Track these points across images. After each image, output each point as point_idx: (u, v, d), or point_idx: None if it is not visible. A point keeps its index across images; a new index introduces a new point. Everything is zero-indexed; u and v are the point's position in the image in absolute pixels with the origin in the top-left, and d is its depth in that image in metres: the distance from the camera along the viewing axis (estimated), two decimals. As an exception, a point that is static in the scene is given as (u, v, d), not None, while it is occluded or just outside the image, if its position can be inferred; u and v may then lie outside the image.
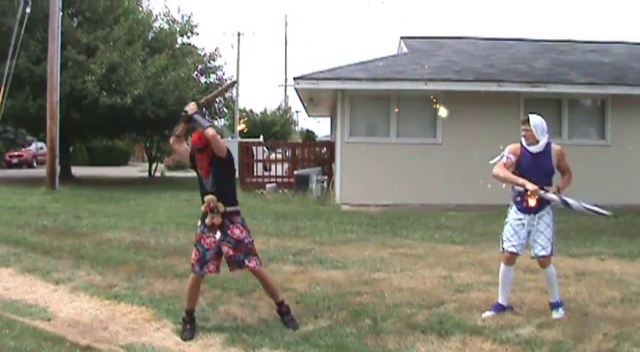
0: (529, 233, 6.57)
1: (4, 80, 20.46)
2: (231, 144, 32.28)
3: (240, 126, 44.01)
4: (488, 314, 6.57)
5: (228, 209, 6.08)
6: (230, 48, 48.97)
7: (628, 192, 17.52)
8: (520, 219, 6.59)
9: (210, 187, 6.06)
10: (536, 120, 6.62)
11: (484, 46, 22.92)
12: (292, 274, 8.53)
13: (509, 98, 17.82)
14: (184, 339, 5.94)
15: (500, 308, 6.65)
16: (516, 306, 6.89)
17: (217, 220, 6.03)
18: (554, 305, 6.61)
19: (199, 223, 6.20)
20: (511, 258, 6.70)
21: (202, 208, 6.10)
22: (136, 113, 25.68)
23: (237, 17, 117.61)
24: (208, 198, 6.02)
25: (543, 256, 6.55)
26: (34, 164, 45.00)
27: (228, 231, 6.08)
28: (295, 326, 6.17)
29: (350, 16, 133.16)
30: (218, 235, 6.07)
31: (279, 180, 23.85)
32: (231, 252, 6.10)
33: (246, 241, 6.14)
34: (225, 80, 32.69)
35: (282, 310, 6.31)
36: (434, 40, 24.09)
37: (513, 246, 6.60)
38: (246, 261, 6.11)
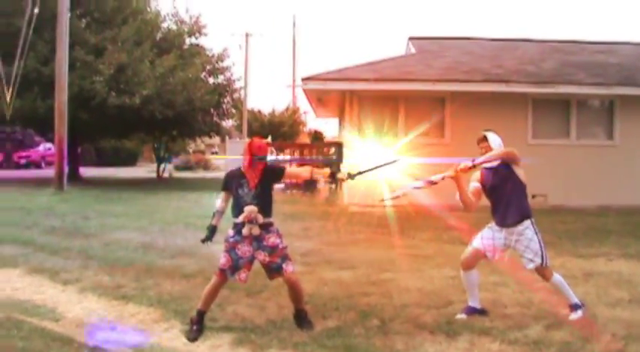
0: None
1: (13, 81, 20.52)
2: (240, 145, 32.45)
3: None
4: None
5: (266, 220, 6.11)
6: (238, 49, 48.95)
7: (636, 193, 17.49)
8: None
9: (252, 199, 6.05)
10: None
11: (492, 47, 22.89)
12: (300, 275, 8.45)
13: (517, 99, 17.81)
14: (191, 340, 5.94)
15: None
16: (525, 307, 6.89)
17: (255, 231, 6.03)
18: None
19: (231, 232, 6.17)
20: None
21: (240, 218, 6.05)
22: (145, 113, 25.75)
23: (245, 18, 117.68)
24: (249, 209, 6.00)
25: None
26: (42, 165, 45.10)
27: (263, 240, 6.09)
28: (310, 327, 6.17)
29: (358, 17, 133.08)
30: (253, 245, 6.10)
31: (288, 180, 23.85)
32: (267, 259, 6.10)
33: (280, 246, 6.14)
34: (234, 81, 32.81)
35: (302, 315, 6.29)
36: (442, 41, 24.07)
37: None
38: (284, 266, 6.10)
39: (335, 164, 22.73)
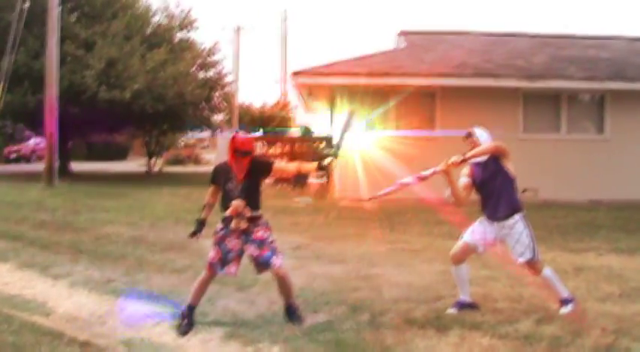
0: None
1: (3, 75, 20.47)
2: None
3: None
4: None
5: (254, 213, 6.09)
6: (229, 43, 48.87)
7: (627, 187, 17.54)
8: None
9: (239, 192, 6.03)
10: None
11: (483, 41, 22.86)
12: (290, 269, 8.46)
13: (507, 93, 17.83)
14: (181, 334, 5.93)
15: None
16: (515, 301, 6.91)
17: (243, 225, 6.02)
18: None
19: (220, 226, 6.15)
20: None
21: (228, 212, 6.03)
22: (135, 108, 25.67)
23: (236, 12, 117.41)
24: (237, 203, 5.98)
25: None
26: (33, 159, 44.91)
27: (251, 234, 6.08)
28: (300, 322, 6.16)
29: (349, 10, 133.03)
30: (242, 238, 6.09)
31: (277, 174, 23.74)
32: (256, 252, 6.07)
33: (268, 239, 6.12)
34: (225, 75, 32.75)
35: (292, 309, 6.28)
36: (432, 35, 24.04)
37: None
38: (272, 260, 6.06)
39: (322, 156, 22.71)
